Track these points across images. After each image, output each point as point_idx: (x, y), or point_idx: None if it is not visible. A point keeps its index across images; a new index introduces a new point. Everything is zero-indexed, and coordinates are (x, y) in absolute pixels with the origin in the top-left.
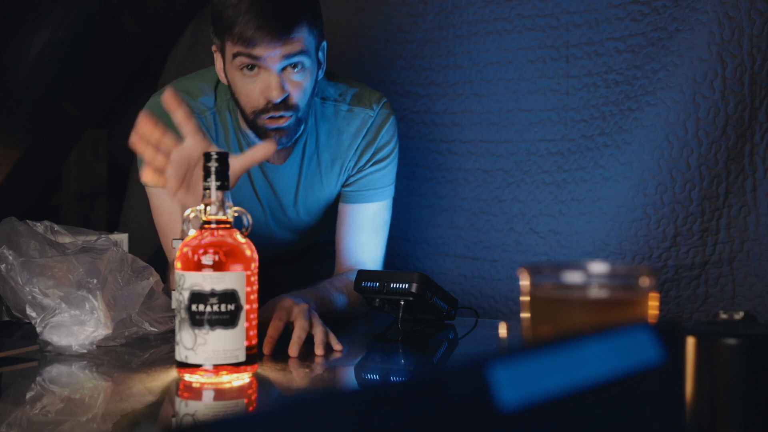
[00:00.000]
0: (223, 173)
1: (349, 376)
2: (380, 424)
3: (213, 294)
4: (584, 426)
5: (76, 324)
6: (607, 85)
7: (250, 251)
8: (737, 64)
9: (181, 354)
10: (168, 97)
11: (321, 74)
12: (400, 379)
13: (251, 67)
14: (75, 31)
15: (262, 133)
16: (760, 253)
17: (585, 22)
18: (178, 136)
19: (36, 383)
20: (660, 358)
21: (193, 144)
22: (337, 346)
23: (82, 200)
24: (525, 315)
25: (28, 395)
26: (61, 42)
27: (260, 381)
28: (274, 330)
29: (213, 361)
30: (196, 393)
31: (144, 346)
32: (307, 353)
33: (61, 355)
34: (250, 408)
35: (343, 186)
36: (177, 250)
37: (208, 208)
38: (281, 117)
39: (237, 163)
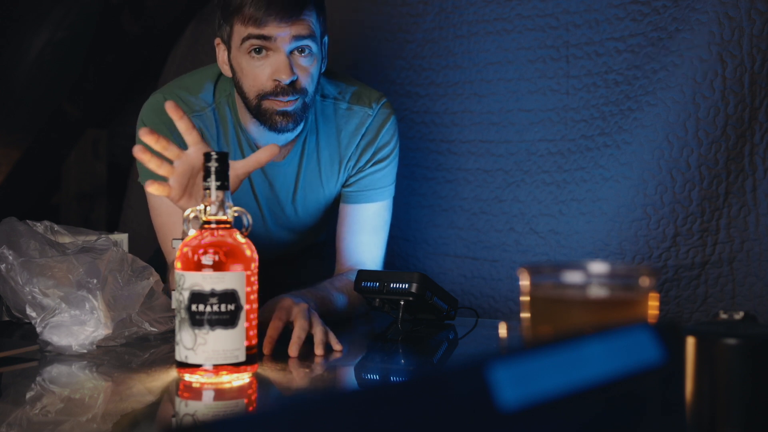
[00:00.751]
0: (223, 173)
1: (349, 376)
2: (380, 424)
3: (213, 294)
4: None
5: (76, 324)
6: (607, 85)
7: (250, 251)
8: (737, 64)
9: (181, 354)
10: (170, 108)
11: (323, 68)
12: (400, 379)
13: (260, 50)
14: (75, 31)
15: (266, 119)
16: (760, 253)
17: (585, 22)
18: (181, 145)
19: (36, 383)
20: (660, 358)
21: (196, 153)
22: (336, 345)
23: (82, 200)
24: (525, 315)
25: (28, 395)
26: (61, 42)
27: (260, 381)
28: (273, 330)
29: (213, 361)
30: (196, 393)
31: (144, 346)
32: (306, 353)
33: (61, 355)
34: (250, 408)
35: (343, 186)
36: (177, 250)
37: (208, 208)
38: (289, 101)
39: (241, 166)
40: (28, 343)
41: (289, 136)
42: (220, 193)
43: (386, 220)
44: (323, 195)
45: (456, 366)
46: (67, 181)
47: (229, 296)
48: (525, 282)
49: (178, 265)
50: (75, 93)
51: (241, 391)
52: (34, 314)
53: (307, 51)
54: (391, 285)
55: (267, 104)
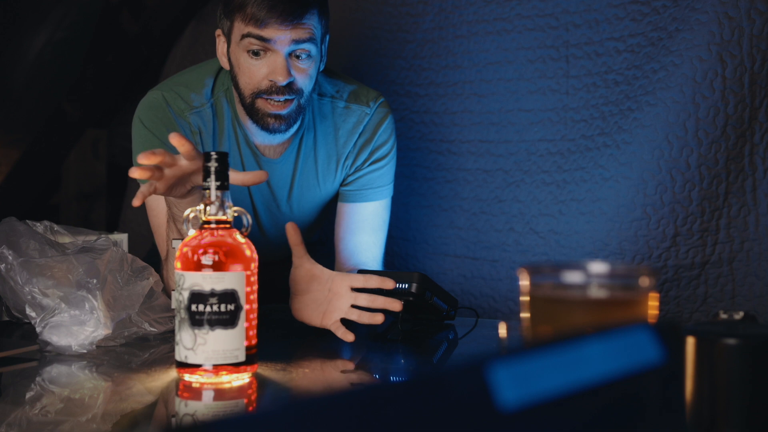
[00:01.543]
0: (222, 173)
1: (349, 376)
2: (380, 424)
3: (213, 294)
4: (584, 426)
5: (76, 324)
6: (607, 85)
7: (249, 251)
8: (737, 64)
9: (180, 354)
10: (174, 138)
11: (322, 66)
12: (400, 379)
13: (257, 53)
14: (75, 31)
15: (259, 119)
16: (759, 253)
17: (585, 22)
18: (173, 152)
19: (36, 383)
20: (660, 358)
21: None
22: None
23: (81, 200)
24: (525, 315)
25: (28, 395)
26: (61, 42)
27: (260, 381)
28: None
29: (213, 361)
30: (195, 393)
31: (144, 346)
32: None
33: (61, 355)
34: (250, 408)
35: (341, 185)
36: (177, 250)
37: (208, 208)
38: (285, 101)
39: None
40: (28, 343)
41: (283, 136)
42: (220, 193)
43: (385, 219)
44: (319, 193)
45: (456, 366)
46: (66, 181)
47: (229, 296)
48: (525, 282)
49: (177, 265)
50: (74, 93)
51: (240, 391)
52: (33, 314)
53: (306, 53)
54: None
55: (260, 103)
